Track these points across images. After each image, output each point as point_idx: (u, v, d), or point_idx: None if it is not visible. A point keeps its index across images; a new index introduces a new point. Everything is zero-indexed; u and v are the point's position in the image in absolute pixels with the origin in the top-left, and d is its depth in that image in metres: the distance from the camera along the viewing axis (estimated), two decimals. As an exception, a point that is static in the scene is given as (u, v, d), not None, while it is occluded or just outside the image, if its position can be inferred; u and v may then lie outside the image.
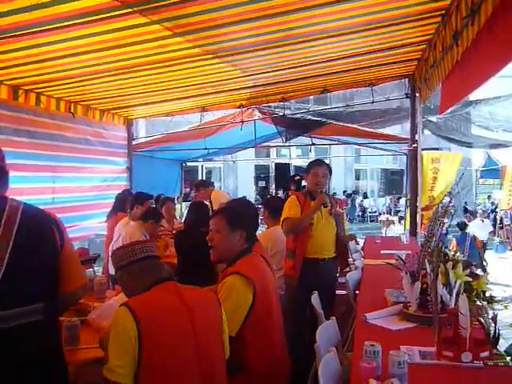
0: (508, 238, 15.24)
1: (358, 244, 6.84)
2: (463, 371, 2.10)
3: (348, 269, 4.61)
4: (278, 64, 5.54)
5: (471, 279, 2.86)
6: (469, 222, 13.61)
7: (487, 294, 3.07)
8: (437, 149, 13.25)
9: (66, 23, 3.53)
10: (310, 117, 7.49)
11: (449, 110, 7.14)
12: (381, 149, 8.60)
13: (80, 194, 6.42)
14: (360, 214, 19.75)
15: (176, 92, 6.34)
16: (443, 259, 3.00)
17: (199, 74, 5.56)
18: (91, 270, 5.73)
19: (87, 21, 3.54)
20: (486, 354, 2.19)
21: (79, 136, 6.44)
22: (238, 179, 19.13)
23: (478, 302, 2.89)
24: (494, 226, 15.20)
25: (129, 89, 5.89)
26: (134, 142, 7.99)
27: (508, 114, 7.89)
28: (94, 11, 3.40)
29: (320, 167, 4.22)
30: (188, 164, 11.89)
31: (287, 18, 3.99)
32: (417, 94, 6.78)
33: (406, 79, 7.09)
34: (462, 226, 10.50)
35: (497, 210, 16.82)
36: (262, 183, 20.38)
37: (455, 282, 2.71)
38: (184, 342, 2.04)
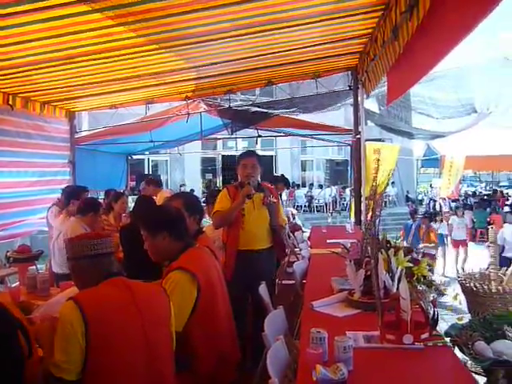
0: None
1: (304, 232, 6.95)
2: (405, 353, 2.19)
3: (295, 259, 4.68)
4: (223, 55, 5.52)
5: (412, 265, 2.98)
6: (412, 209, 14.10)
7: (427, 279, 3.21)
8: (379, 140, 13.61)
9: (2, 11, 3.40)
10: (255, 109, 7.51)
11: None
12: (326, 140, 8.75)
13: (20, 189, 6.19)
14: (307, 204, 20.03)
15: (120, 83, 6.21)
16: (386, 246, 3.11)
17: (143, 65, 5.47)
18: (33, 267, 5.55)
19: (26, 9, 3.42)
20: (426, 335, 2.29)
21: (18, 129, 6.21)
22: (184, 172, 18.96)
23: (419, 287, 3.02)
24: (436, 214, 15.80)
25: (70, 80, 5.72)
26: (76, 136, 7.76)
27: (448, 98, 8.12)
28: (33, -1, 3.28)
29: (248, 158, 4.21)
30: (134, 157, 11.70)
31: (232, 8, 3.99)
32: (359, 87, 6.93)
33: (349, 72, 7.22)
34: (412, 214, 10.91)
35: (436, 198, 17.49)
36: (208, 176, 20.29)
37: (397, 268, 2.82)
38: (133, 338, 2.04)
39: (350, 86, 7.26)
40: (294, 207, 16.89)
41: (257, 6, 4.03)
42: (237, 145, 18.18)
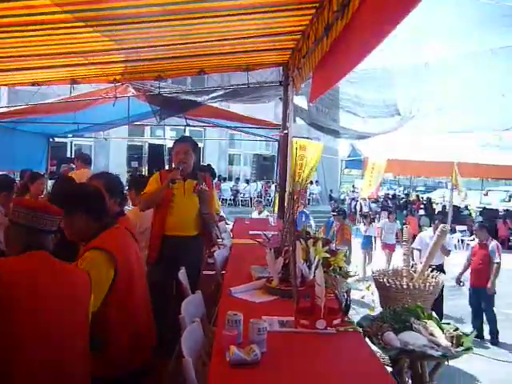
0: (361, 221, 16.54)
1: (227, 224, 6.97)
2: (317, 337, 2.26)
3: (216, 248, 4.68)
4: (153, 40, 5.41)
5: (329, 255, 3.08)
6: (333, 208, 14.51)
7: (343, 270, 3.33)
8: (307, 138, 13.87)
9: None
10: (185, 96, 7.43)
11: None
12: (253, 134, 8.82)
13: None
14: (232, 198, 20.12)
15: (43, 59, 5.92)
16: (305, 237, 3.19)
17: (69, 42, 5.23)
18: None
19: None
20: (338, 321, 2.37)
21: None
22: (109, 159, 18.40)
23: (335, 276, 3.13)
24: (355, 213, 16.38)
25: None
26: (-7, 112, 7.35)
27: (373, 98, 8.37)
28: None
29: (181, 144, 4.20)
30: (56, 140, 11.22)
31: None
32: (290, 83, 7.03)
33: (281, 67, 7.31)
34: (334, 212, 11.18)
35: (357, 198, 18.12)
36: (134, 164, 19.81)
37: (314, 258, 2.90)
38: (45, 307, 1.98)
39: (280, 82, 7.35)
40: (219, 200, 16.90)
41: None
42: (165, 133, 17.90)
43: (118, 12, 4.35)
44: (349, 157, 16.73)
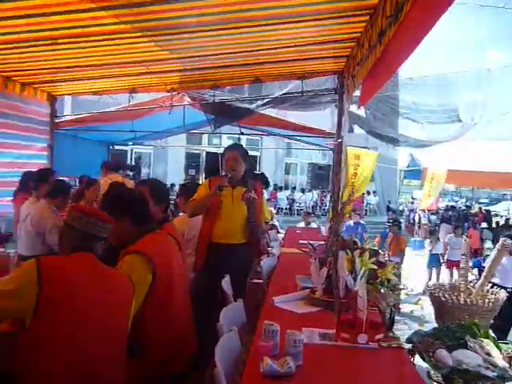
0: (425, 236, 16.02)
1: (278, 233, 6.93)
2: (358, 352, 2.18)
3: (265, 257, 4.64)
4: (209, 49, 5.48)
5: (376, 267, 2.97)
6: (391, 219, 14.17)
7: (392, 283, 3.21)
8: (365, 147, 13.62)
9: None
10: (239, 105, 7.48)
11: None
12: (308, 143, 8.74)
13: (-9, 169, 6.10)
14: (288, 207, 20.05)
15: (103, 69, 6.13)
16: (352, 247, 3.10)
17: (127, 52, 5.39)
18: (2, 249, 5.44)
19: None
20: (380, 336, 2.28)
21: (-6, 108, 6.10)
22: (167, 166, 18.80)
23: (382, 290, 3.02)
24: (413, 224, 15.91)
25: (53, 62, 5.62)
26: (57, 120, 7.65)
27: (431, 103, 8.14)
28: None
29: (231, 152, 4.18)
30: (117, 148, 11.57)
31: (219, 1, 3.95)
32: (344, 91, 6.93)
33: (336, 75, 7.22)
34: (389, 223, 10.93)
35: (416, 210, 17.61)
36: (192, 172, 20.11)
37: (360, 269, 2.80)
38: (84, 308, 2.02)
39: (335, 90, 7.25)
40: (274, 209, 16.90)
41: (246, 1, 3.98)
42: (221, 142, 18.11)
43: (172, 22, 4.43)
44: (408, 167, 16.28)
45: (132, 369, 2.24)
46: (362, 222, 11.03)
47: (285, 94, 7.69)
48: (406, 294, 4.22)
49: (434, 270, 10.30)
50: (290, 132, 8.49)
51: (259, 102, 7.42)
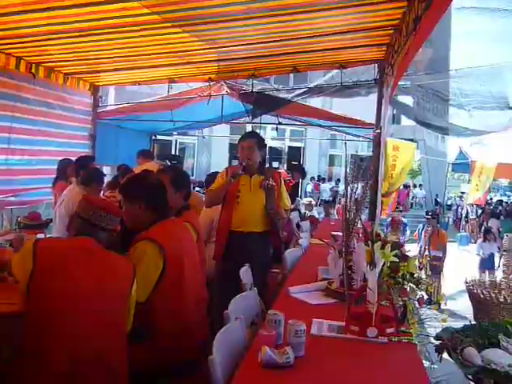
0: (472, 231, 15.53)
1: (316, 225, 6.85)
2: (366, 345, 2.12)
3: (292, 247, 4.60)
4: (246, 38, 5.45)
5: (398, 260, 2.88)
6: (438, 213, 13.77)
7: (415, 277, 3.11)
8: (412, 140, 13.28)
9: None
10: (276, 95, 7.44)
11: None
12: (348, 133, 8.60)
13: (36, 157, 6.30)
14: (331, 199, 19.84)
15: (142, 60, 6.23)
16: (374, 239, 3.02)
17: (163, 43, 5.46)
18: (42, 234, 5.64)
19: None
20: (391, 330, 2.22)
21: (39, 98, 6.30)
22: (211, 157, 18.93)
23: (406, 285, 2.93)
24: (460, 219, 15.44)
25: (94, 53, 5.77)
26: (99, 110, 7.83)
27: (479, 89, 7.87)
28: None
29: (244, 140, 4.14)
30: (161, 138, 11.73)
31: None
32: (385, 80, 6.76)
33: (376, 64, 7.06)
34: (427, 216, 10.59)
35: (462, 204, 17.06)
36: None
37: (380, 262, 2.73)
38: (80, 292, 2.09)
39: (375, 80, 7.09)
40: (318, 200, 16.76)
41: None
42: (266, 133, 18.05)
43: (207, 11, 4.43)
44: (456, 160, 15.80)
45: (138, 354, 2.27)
46: (404, 220, 10.66)
47: (323, 84, 7.61)
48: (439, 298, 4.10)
49: (487, 273, 9.68)
50: (330, 122, 8.35)
51: (297, 92, 7.35)
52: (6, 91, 5.72)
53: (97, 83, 7.59)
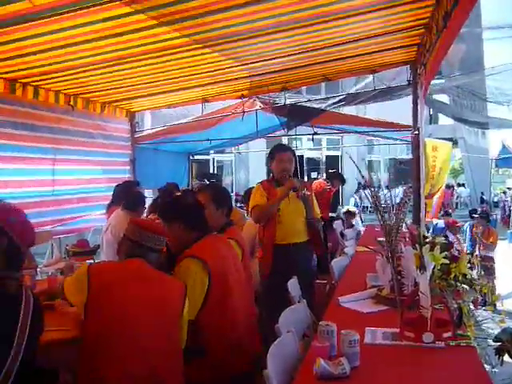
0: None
1: (360, 233, 6.76)
2: (423, 351, 2.07)
3: (339, 256, 4.56)
4: (274, 52, 5.48)
5: (448, 262, 2.81)
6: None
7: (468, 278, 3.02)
8: (451, 139, 12.98)
9: (54, 13, 3.54)
10: (309, 105, 7.43)
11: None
12: (385, 137, 8.48)
13: (80, 186, 6.46)
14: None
15: (174, 83, 6.33)
16: (422, 242, 2.95)
17: (194, 64, 5.53)
18: (91, 261, 5.77)
19: (72, 10, 3.55)
20: (448, 334, 2.15)
21: (79, 129, 6.47)
22: (249, 172, 18.99)
23: (458, 287, 2.84)
24: (509, 216, 14.92)
25: (126, 80, 5.90)
26: (136, 135, 7.99)
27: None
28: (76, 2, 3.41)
29: (285, 152, 4.17)
30: (198, 157, 11.85)
31: (277, 3, 3.93)
32: (418, 81, 6.66)
33: (408, 65, 6.96)
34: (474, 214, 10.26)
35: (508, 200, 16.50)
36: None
37: (430, 265, 2.66)
38: (134, 313, 2.10)
39: (409, 81, 6.99)
40: (361, 208, 16.55)
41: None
42: (302, 144, 18.03)
43: (230, 30, 4.48)
44: (499, 155, 15.34)
45: (191, 371, 2.28)
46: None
47: (356, 91, 7.56)
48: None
49: None
50: (366, 128, 8.27)
51: (330, 101, 7.33)
52: (47, 125, 5.91)
53: (132, 109, 7.76)
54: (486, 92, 8.43)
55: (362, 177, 3.11)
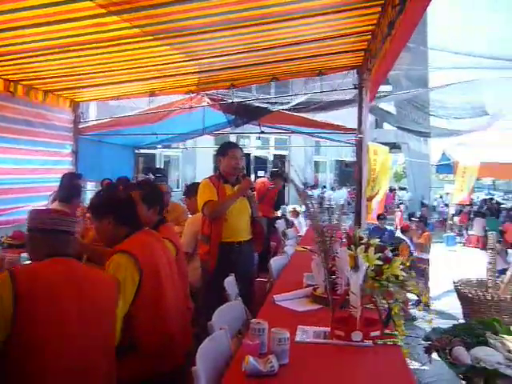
0: (458, 233, 15.65)
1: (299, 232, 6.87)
2: (352, 350, 2.12)
3: (278, 255, 4.61)
4: (224, 49, 5.46)
5: (381, 263, 2.89)
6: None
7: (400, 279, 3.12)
8: (394, 144, 13.37)
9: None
10: (258, 104, 7.47)
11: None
12: (330, 139, 8.64)
13: (19, 175, 6.23)
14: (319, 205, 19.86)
15: (121, 75, 6.20)
16: (357, 243, 3.03)
17: (143, 57, 5.44)
18: (26, 253, 5.58)
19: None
20: (376, 333, 2.22)
21: (19, 117, 6.23)
22: (196, 169, 18.90)
23: (390, 288, 2.94)
24: (446, 220, 15.54)
25: (72, 69, 5.74)
26: (80, 126, 7.79)
27: (458, 101, 8.09)
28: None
29: (237, 149, 4.19)
30: (145, 151, 11.67)
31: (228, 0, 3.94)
32: (364, 86, 6.81)
33: (355, 70, 7.11)
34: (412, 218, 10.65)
35: (446, 203, 17.18)
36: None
37: (363, 265, 2.74)
38: (64, 318, 2.00)
39: (355, 85, 7.14)
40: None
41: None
42: (250, 142, 18.09)
43: (185, 23, 4.43)
44: (439, 161, 15.95)
45: (123, 366, 2.25)
46: (388, 227, 10.59)
47: (305, 93, 7.65)
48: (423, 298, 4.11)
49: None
50: (312, 129, 8.41)
51: (279, 107, 7.41)
52: (-15, 111, 5.69)
53: (77, 99, 7.55)
54: (429, 105, 8.80)
55: (304, 181, 3.17)
